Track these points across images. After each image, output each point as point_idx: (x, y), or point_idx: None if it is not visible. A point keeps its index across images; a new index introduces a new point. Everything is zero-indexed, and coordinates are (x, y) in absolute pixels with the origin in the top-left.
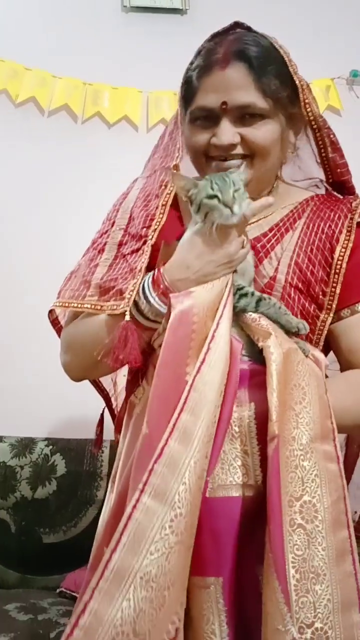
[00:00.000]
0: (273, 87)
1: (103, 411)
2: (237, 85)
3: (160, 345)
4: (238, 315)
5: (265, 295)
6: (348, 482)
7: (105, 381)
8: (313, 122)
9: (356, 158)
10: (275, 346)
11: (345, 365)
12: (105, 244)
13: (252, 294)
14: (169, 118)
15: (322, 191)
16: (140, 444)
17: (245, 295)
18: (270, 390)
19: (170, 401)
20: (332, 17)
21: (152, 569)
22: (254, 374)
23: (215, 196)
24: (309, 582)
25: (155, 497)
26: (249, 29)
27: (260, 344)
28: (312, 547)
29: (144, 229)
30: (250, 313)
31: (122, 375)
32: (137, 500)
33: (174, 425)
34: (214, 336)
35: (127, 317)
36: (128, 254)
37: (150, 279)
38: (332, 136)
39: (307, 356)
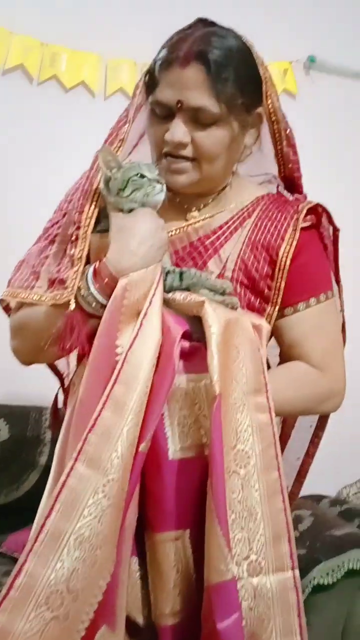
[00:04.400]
0: (229, 93)
1: (57, 393)
2: (192, 86)
3: None
4: (169, 301)
5: (184, 269)
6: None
7: (60, 362)
8: (272, 115)
9: (308, 141)
10: (211, 313)
11: (285, 357)
12: (56, 235)
13: (174, 270)
14: (127, 87)
15: (274, 187)
16: (77, 409)
17: (169, 272)
18: (210, 354)
19: (102, 370)
20: (295, 1)
21: (85, 531)
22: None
23: (144, 176)
24: (243, 520)
25: (89, 464)
26: (212, 24)
27: (196, 313)
28: (246, 490)
29: (77, 214)
30: (179, 293)
31: (75, 355)
32: (72, 468)
33: (108, 395)
34: (146, 313)
35: (72, 306)
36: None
37: (92, 271)
38: (288, 131)
39: (235, 309)
